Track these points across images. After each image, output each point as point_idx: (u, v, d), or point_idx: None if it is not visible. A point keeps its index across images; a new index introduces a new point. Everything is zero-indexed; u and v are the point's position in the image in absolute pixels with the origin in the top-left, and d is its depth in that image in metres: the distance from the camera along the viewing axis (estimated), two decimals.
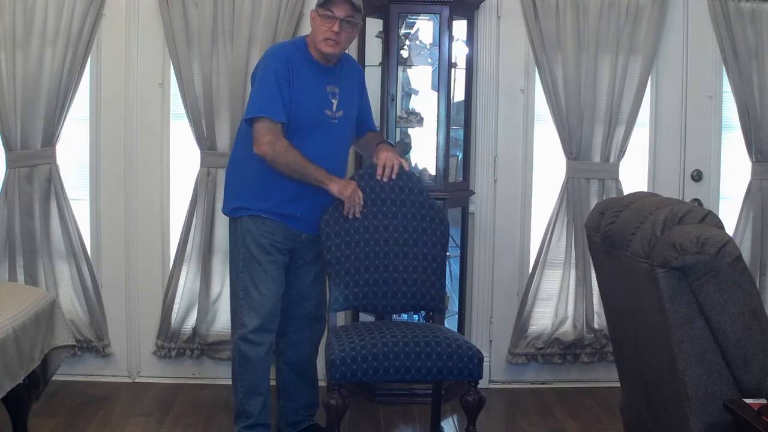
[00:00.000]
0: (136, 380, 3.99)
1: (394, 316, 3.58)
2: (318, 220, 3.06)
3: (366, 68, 3.82)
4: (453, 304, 3.98)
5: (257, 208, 3.04)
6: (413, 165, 3.87)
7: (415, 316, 3.78)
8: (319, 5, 2.95)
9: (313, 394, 3.33)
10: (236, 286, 3.12)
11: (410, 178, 3.17)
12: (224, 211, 3.19)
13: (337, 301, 3.07)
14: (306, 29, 3.83)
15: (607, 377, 3.95)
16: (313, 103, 3.00)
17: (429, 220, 3.15)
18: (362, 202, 3.04)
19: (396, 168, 3.09)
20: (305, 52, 3.02)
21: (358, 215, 3.04)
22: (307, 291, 3.23)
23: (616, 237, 2.50)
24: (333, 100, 3.03)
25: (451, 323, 3.83)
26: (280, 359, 3.29)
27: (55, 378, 3.17)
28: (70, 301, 3.86)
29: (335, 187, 2.98)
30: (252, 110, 2.94)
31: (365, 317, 3.75)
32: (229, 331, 3.91)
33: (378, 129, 3.40)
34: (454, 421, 3.59)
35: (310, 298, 3.24)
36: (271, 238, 3.04)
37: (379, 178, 3.09)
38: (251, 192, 3.05)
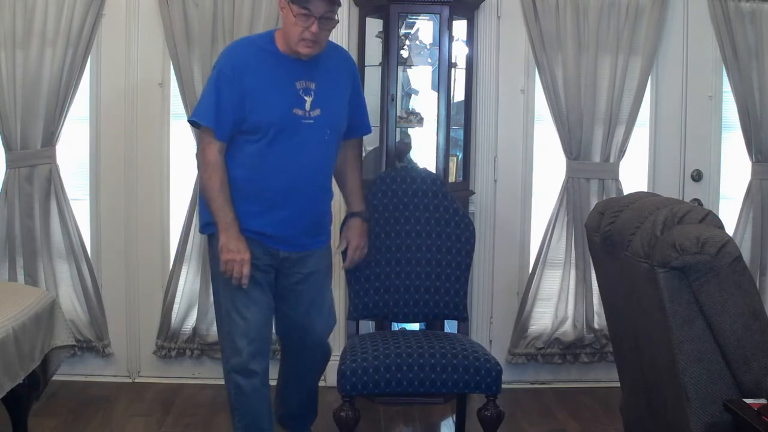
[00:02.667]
0: (136, 380, 3.98)
1: (419, 325, 3.52)
2: (299, 237, 2.75)
3: (366, 68, 3.82)
4: None
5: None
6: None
7: (418, 325, 3.76)
8: (294, 2, 2.57)
9: (313, 414, 3.15)
10: (220, 313, 2.83)
11: (434, 181, 3.10)
12: (199, 229, 2.98)
13: (357, 309, 3.03)
14: None
15: (607, 377, 3.95)
16: (277, 102, 2.65)
17: (453, 226, 3.08)
18: (243, 275, 2.65)
19: (362, 255, 2.95)
20: (269, 45, 2.69)
21: (238, 282, 2.66)
22: (302, 321, 2.88)
23: (616, 237, 2.50)
24: (306, 97, 2.67)
25: (451, 323, 3.82)
26: (280, 382, 3.11)
27: (55, 378, 3.18)
28: (70, 301, 3.86)
29: (222, 240, 2.64)
30: (193, 113, 2.74)
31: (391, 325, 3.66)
32: None
33: (370, 131, 3.06)
34: (453, 421, 3.59)
35: (307, 330, 2.89)
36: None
37: (344, 267, 2.97)
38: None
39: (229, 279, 2.68)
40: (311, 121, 2.68)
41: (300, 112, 2.66)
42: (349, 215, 2.96)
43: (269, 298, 2.79)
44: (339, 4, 2.64)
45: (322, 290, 2.90)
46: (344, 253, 2.97)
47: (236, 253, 2.63)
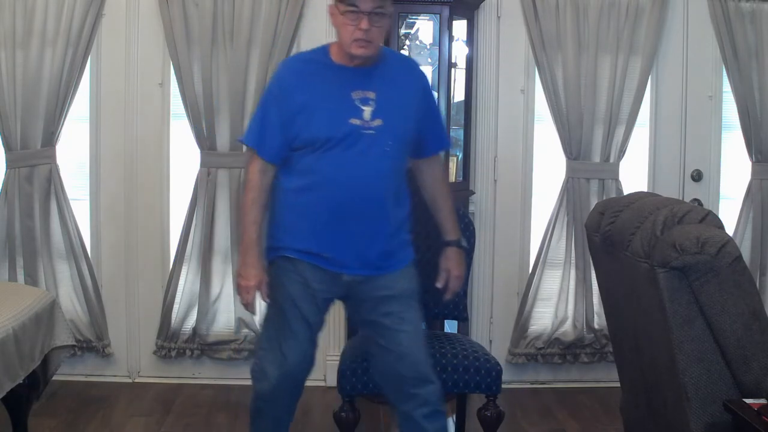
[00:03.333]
0: (136, 380, 3.98)
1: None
2: (364, 257, 2.49)
3: None
4: None
5: (283, 245, 2.53)
6: None
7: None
8: (339, 0, 2.42)
9: None
10: (265, 326, 2.65)
11: None
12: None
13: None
14: (306, 30, 3.86)
15: (607, 377, 3.94)
16: (330, 114, 2.46)
17: None
18: (248, 302, 2.51)
19: (458, 286, 2.71)
20: (323, 57, 2.53)
21: (248, 307, 2.54)
22: (396, 351, 2.52)
23: (616, 237, 2.50)
24: (364, 107, 2.45)
25: (451, 323, 3.83)
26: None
27: (55, 378, 3.17)
28: (70, 301, 3.86)
29: (239, 263, 2.55)
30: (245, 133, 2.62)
31: None
32: (229, 330, 3.94)
33: (447, 146, 2.80)
34: (454, 421, 3.59)
35: (408, 362, 2.52)
36: (302, 283, 2.50)
37: (446, 299, 2.71)
38: (278, 226, 2.56)
39: (277, 307, 2.54)
40: (372, 131, 2.45)
41: (358, 122, 2.45)
42: (445, 244, 2.73)
43: (313, 333, 2.57)
44: None
45: (411, 316, 2.57)
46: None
47: (246, 279, 2.49)
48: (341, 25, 2.42)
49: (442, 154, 2.81)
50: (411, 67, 2.67)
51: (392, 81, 2.52)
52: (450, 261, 2.69)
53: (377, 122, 2.46)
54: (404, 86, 2.56)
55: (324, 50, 2.55)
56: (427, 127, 2.61)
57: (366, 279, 2.51)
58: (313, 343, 2.57)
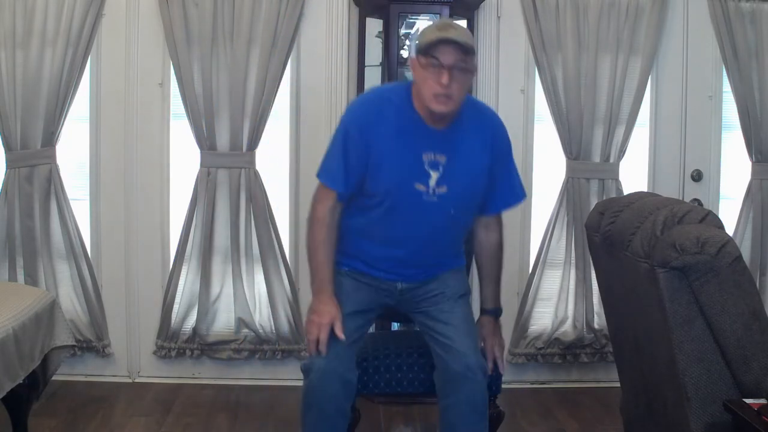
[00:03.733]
0: (136, 380, 3.98)
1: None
2: (430, 262, 2.55)
3: (366, 68, 3.82)
4: None
5: (337, 260, 2.56)
6: None
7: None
8: (421, 52, 2.32)
9: None
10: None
11: None
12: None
13: None
14: (306, 30, 3.87)
15: (607, 377, 3.95)
16: (397, 174, 2.41)
17: None
18: (320, 347, 2.41)
19: (500, 358, 2.63)
20: (405, 105, 2.43)
21: (314, 348, 2.44)
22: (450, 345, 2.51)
23: (616, 237, 2.49)
24: (432, 172, 2.40)
25: None
26: None
27: (55, 378, 3.17)
28: (70, 301, 3.86)
29: (313, 301, 2.49)
30: (320, 170, 2.53)
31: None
32: (229, 330, 3.94)
33: (520, 200, 2.66)
34: None
35: (456, 355, 2.50)
36: (355, 282, 2.56)
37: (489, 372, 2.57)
38: (341, 247, 2.58)
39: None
40: (434, 199, 2.43)
41: (422, 188, 2.41)
42: (482, 312, 2.71)
43: (353, 333, 2.52)
44: (473, 53, 2.33)
45: (460, 313, 2.57)
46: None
47: (320, 315, 2.43)
48: (422, 79, 2.34)
49: (502, 216, 2.71)
50: (490, 122, 2.55)
51: (465, 144, 2.45)
52: (484, 329, 2.65)
53: (442, 189, 2.42)
54: (477, 148, 2.48)
55: (406, 91, 2.45)
56: (495, 183, 2.55)
57: (418, 284, 2.57)
58: (352, 342, 2.50)
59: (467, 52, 2.30)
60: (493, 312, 2.70)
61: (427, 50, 2.30)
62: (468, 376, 2.43)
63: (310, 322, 2.45)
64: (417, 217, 2.45)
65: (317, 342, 2.42)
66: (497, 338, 2.66)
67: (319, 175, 2.51)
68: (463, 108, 2.43)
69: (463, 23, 3.82)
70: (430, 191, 2.42)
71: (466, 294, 2.66)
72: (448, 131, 2.43)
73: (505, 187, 2.60)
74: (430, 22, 3.81)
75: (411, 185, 2.41)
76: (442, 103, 2.32)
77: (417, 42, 2.37)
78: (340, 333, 2.41)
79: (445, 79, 2.28)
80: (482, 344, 2.62)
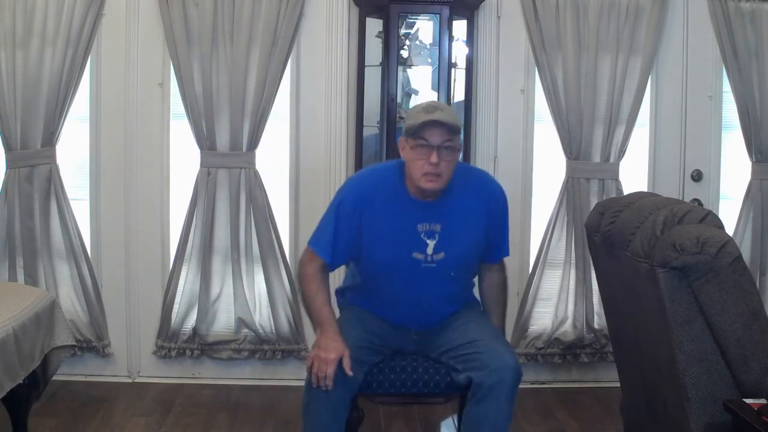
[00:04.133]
0: (136, 380, 3.98)
1: None
2: (442, 312, 2.65)
3: (366, 68, 3.82)
4: None
5: (351, 301, 2.77)
6: None
7: None
8: (409, 134, 2.46)
9: None
10: None
11: None
12: None
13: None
14: (306, 30, 3.87)
15: (607, 377, 3.95)
16: (394, 247, 2.55)
17: None
18: (327, 375, 2.40)
19: None
20: (398, 185, 2.57)
21: (317, 382, 2.42)
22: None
23: (616, 237, 2.50)
24: (428, 241, 2.54)
25: None
26: None
27: (55, 378, 3.18)
28: (70, 301, 3.86)
29: (318, 336, 2.52)
30: (312, 238, 2.65)
31: None
32: (229, 330, 3.94)
33: (506, 255, 2.80)
34: (454, 421, 3.59)
35: (481, 343, 2.55)
36: (371, 315, 2.67)
37: None
38: (353, 294, 2.79)
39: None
40: (433, 265, 2.56)
41: (420, 256, 2.54)
42: None
43: (361, 348, 2.55)
44: (458, 132, 2.48)
45: (478, 321, 2.64)
46: None
47: (326, 351, 2.43)
48: (411, 160, 2.47)
49: (505, 260, 2.84)
50: (485, 193, 2.65)
51: (460, 211, 2.57)
52: None
53: (440, 255, 2.54)
54: (472, 214, 2.60)
55: (399, 170, 2.58)
56: (494, 239, 2.68)
57: (432, 327, 2.66)
58: (360, 351, 2.52)
59: (454, 131, 2.43)
60: None
61: (415, 132, 2.43)
62: (496, 362, 2.41)
63: (316, 356, 2.44)
64: (418, 282, 2.57)
65: (324, 377, 2.41)
66: None
67: (309, 242, 2.63)
68: (456, 176, 2.54)
69: (463, 23, 3.83)
70: (429, 258, 2.54)
71: (481, 313, 2.75)
72: (441, 202, 2.55)
73: (502, 240, 2.74)
74: (430, 22, 3.82)
75: (409, 255, 2.53)
76: (431, 181, 2.45)
77: (405, 124, 2.51)
78: (348, 369, 2.43)
79: (434, 158, 2.40)
80: None
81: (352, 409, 2.65)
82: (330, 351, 2.43)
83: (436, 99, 3.71)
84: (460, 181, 2.59)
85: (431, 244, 2.54)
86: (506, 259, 3.87)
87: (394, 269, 2.57)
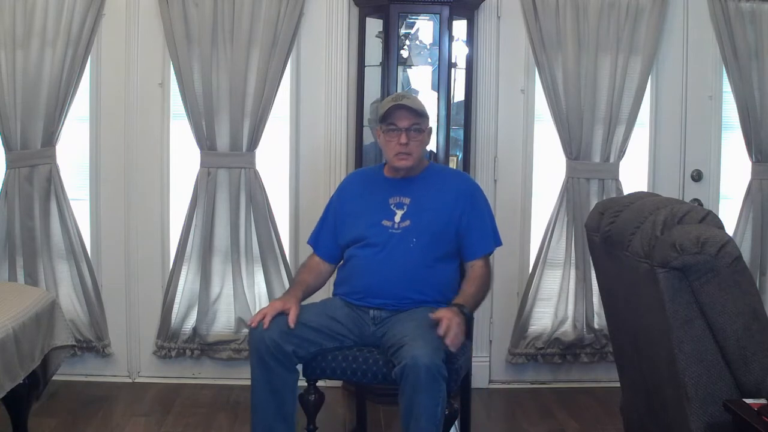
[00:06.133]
0: (136, 380, 3.99)
1: None
2: (399, 294, 2.79)
3: (366, 68, 3.82)
4: None
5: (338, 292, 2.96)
6: None
7: None
8: (381, 121, 2.83)
9: None
10: None
11: None
12: None
13: None
14: (306, 30, 3.87)
15: (607, 377, 3.95)
16: (366, 216, 2.87)
17: None
18: (254, 319, 2.67)
19: (454, 337, 2.53)
20: (378, 172, 2.97)
21: (255, 324, 2.67)
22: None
23: (616, 237, 2.50)
24: (397, 210, 2.85)
25: None
26: None
27: (55, 378, 3.17)
28: (70, 301, 3.86)
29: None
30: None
31: None
32: (229, 330, 3.94)
33: (489, 251, 2.91)
34: (456, 423, 3.59)
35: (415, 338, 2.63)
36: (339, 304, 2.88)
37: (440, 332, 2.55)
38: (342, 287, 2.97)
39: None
40: (398, 231, 2.82)
41: (388, 223, 2.84)
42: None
43: (304, 333, 2.71)
44: (424, 115, 2.81)
45: (419, 322, 2.64)
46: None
47: (274, 303, 2.75)
48: (385, 143, 2.84)
49: (490, 258, 2.94)
50: (458, 182, 2.95)
51: (431, 188, 2.88)
52: (442, 311, 2.60)
53: (406, 223, 2.83)
54: (443, 191, 2.88)
55: (381, 166, 2.99)
56: (469, 232, 2.85)
57: (388, 313, 2.80)
58: (291, 335, 2.65)
59: (420, 115, 2.79)
60: (458, 306, 2.67)
61: (384, 118, 2.79)
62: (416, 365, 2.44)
63: (261, 311, 2.69)
64: (384, 247, 2.82)
65: (263, 316, 2.66)
66: (452, 315, 2.58)
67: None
68: (433, 169, 2.98)
69: (463, 23, 3.83)
70: (395, 225, 2.83)
71: (431, 323, 2.60)
72: (413, 181, 2.88)
73: (480, 234, 2.87)
74: (430, 23, 3.82)
75: (379, 222, 2.84)
76: (403, 159, 2.81)
77: (378, 114, 2.86)
78: (291, 322, 2.65)
79: (403, 139, 2.77)
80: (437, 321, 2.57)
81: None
82: (277, 303, 2.73)
83: (436, 99, 3.72)
84: (437, 171, 2.98)
85: (399, 213, 2.85)
86: (506, 259, 3.87)
87: (365, 236, 2.84)
